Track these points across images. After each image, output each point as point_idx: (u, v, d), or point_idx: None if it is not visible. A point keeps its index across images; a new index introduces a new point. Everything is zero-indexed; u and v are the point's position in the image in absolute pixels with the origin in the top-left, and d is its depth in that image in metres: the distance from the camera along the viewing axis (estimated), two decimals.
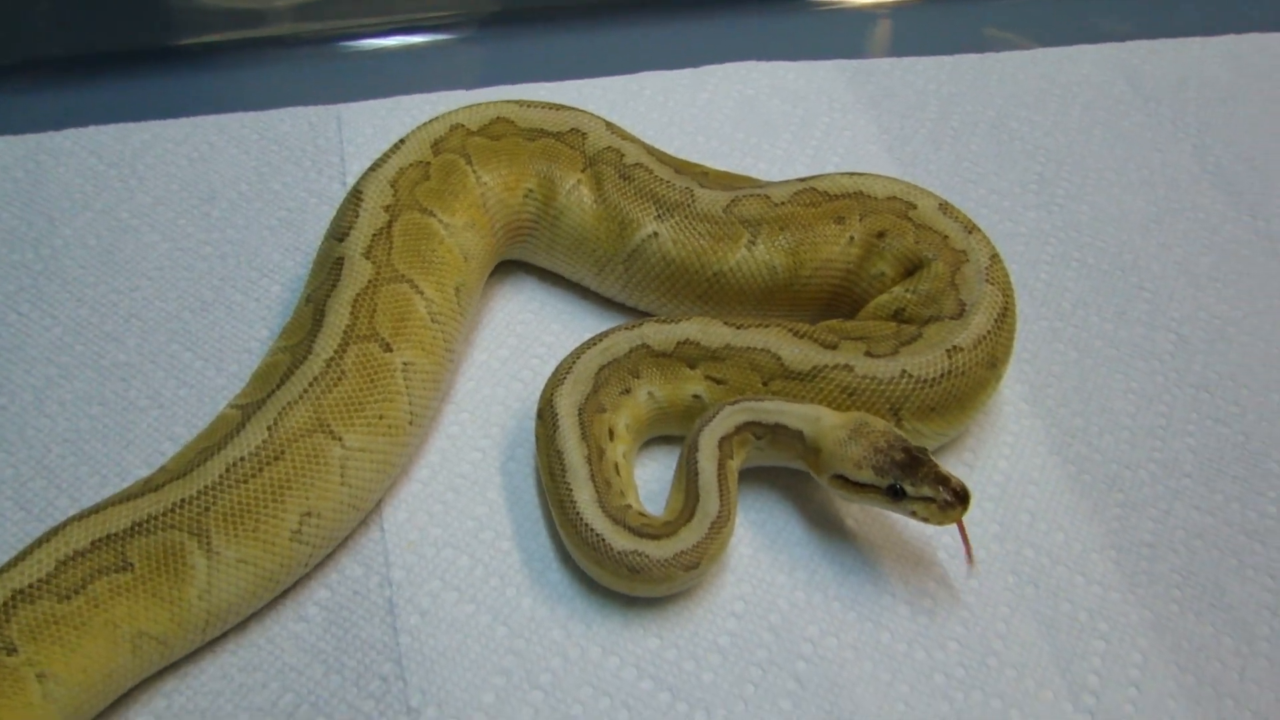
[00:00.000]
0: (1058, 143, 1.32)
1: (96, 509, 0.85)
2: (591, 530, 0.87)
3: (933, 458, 0.89)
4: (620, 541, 0.86)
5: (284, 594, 0.90)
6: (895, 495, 0.88)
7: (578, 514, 0.88)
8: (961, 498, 0.86)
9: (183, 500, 0.84)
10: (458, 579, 0.91)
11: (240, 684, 0.86)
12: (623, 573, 0.86)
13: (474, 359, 1.05)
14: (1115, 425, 1.07)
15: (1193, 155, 1.33)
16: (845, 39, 1.42)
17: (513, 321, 1.08)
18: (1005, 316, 0.98)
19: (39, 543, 0.83)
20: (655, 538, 0.87)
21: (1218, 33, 1.48)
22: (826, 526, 0.97)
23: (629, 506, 0.90)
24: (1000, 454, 1.03)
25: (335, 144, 1.20)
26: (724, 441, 0.91)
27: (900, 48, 1.42)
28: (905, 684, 0.89)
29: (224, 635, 0.88)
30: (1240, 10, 1.53)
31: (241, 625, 0.89)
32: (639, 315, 1.07)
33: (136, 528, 0.83)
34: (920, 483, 0.87)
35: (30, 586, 0.80)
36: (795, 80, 1.33)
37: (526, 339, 1.07)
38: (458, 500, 0.96)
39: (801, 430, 0.91)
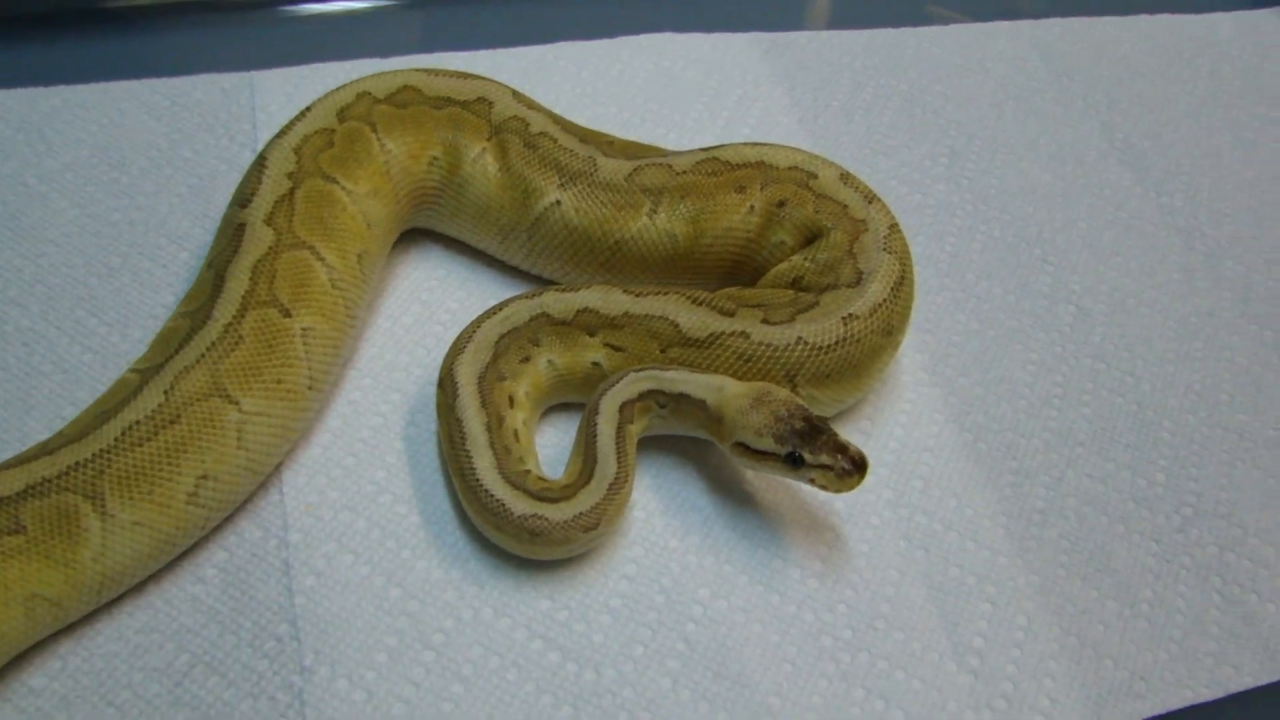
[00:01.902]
0: (969, 117, 1.34)
1: None
2: (491, 495, 0.88)
3: (832, 427, 0.91)
4: (520, 506, 0.88)
5: (181, 556, 0.91)
6: (794, 463, 0.89)
7: (477, 480, 0.89)
8: (859, 466, 0.88)
9: (77, 463, 0.84)
10: (354, 541, 0.92)
11: (136, 645, 0.87)
12: (523, 536, 0.88)
13: (377, 326, 1.06)
14: (1013, 394, 1.09)
15: (1101, 132, 1.35)
16: (763, 12, 1.43)
17: (417, 289, 1.09)
18: (902, 285, 1.00)
19: None
20: (554, 501, 0.88)
21: (1133, 13, 1.51)
22: (722, 493, 0.98)
23: (528, 472, 0.91)
24: (897, 421, 1.05)
25: (248, 111, 1.20)
26: (625, 406, 0.92)
27: (817, 22, 1.44)
28: (793, 645, 0.91)
29: (120, 598, 0.89)
30: None
31: (138, 588, 0.89)
32: (543, 283, 1.08)
33: (29, 490, 0.83)
34: (818, 451, 0.88)
35: None
36: (710, 52, 1.34)
37: (430, 306, 1.07)
38: (357, 464, 0.97)
39: (705, 399, 0.92)
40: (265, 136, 1.17)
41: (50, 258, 1.07)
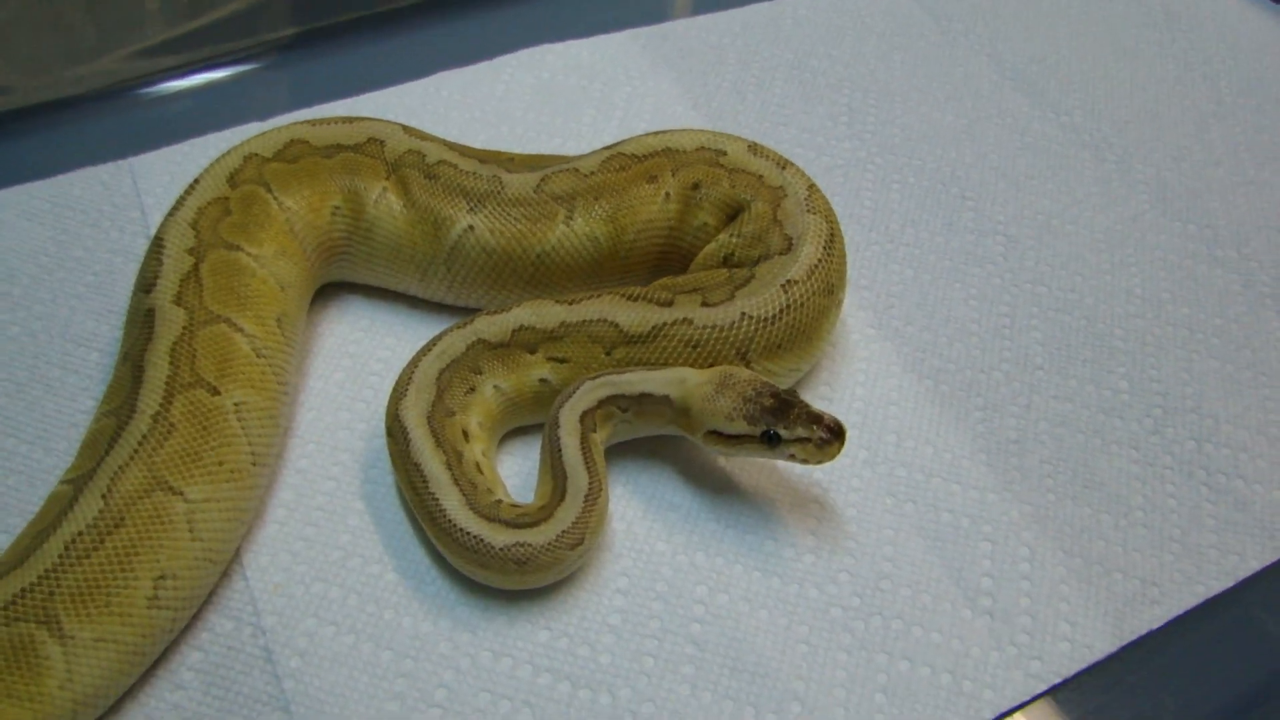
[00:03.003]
0: (859, 74, 1.33)
1: None
2: (467, 534, 0.84)
3: (802, 398, 0.88)
4: (499, 537, 0.84)
5: (154, 665, 0.85)
6: (771, 441, 0.86)
7: (449, 521, 0.85)
8: (836, 433, 0.85)
9: (23, 589, 0.79)
10: (332, 612, 0.88)
11: None
12: (509, 568, 0.84)
13: (310, 388, 1.01)
14: (963, 333, 1.08)
15: (990, 65, 1.35)
16: (633, 8, 1.41)
17: (344, 343, 1.04)
18: (833, 242, 0.98)
19: None
20: (534, 525, 0.84)
21: None
22: (698, 485, 0.96)
23: (499, 501, 0.87)
24: (856, 381, 1.03)
25: (133, 198, 1.15)
26: (586, 416, 0.89)
27: (685, 9, 1.42)
28: (804, 625, 0.88)
29: None
30: None
31: (115, 707, 0.83)
32: (470, 313, 1.04)
33: None
34: (793, 425, 0.86)
35: None
36: (590, 56, 1.32)
37: (360, 359, 1.03)
38: (318, 534, 0.92)
39: (668, 394, 0.89)
40: (155, 220, 1.12)
41: None
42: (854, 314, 1.08)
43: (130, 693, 0.84)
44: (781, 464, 0.96)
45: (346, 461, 0.96)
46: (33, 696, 0.78)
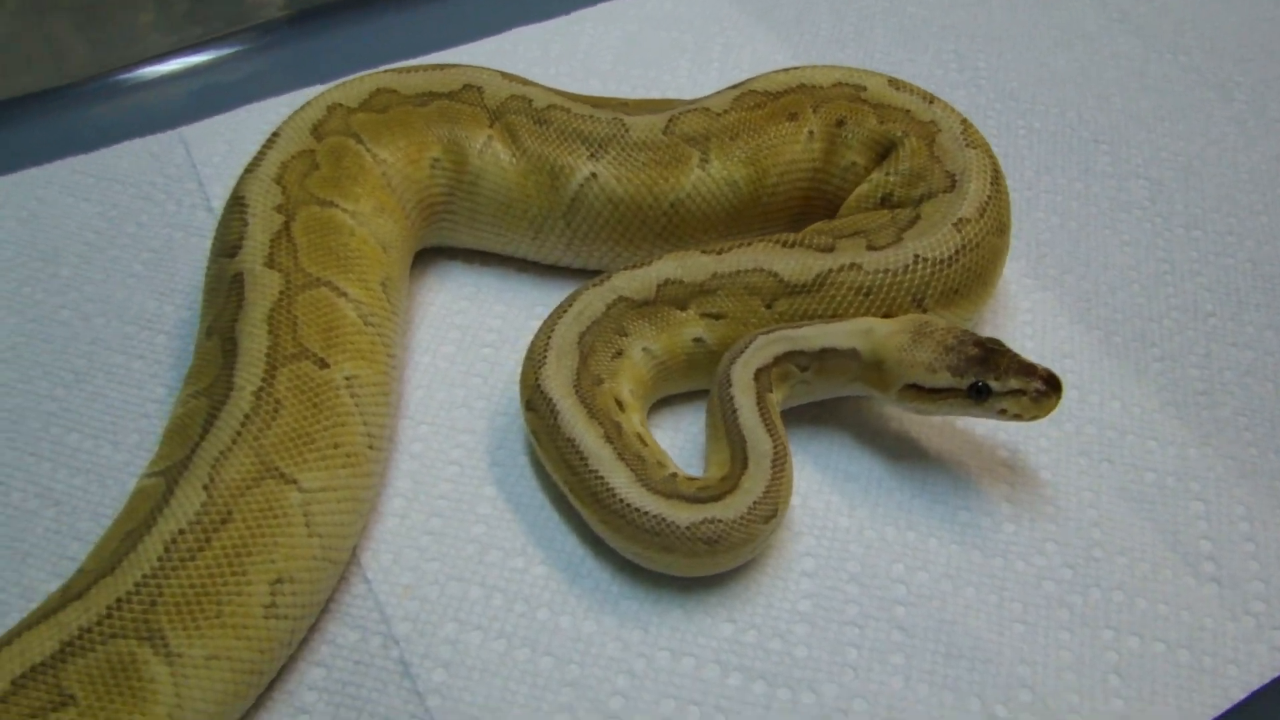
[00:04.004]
0: (961, 19, 1.23)
1: (7, 639, 0.65)
2: (645, 514, 0.72)
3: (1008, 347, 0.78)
4: (684, 515, 0.72)
5: (270, 685, 0.73)
6: (979, 395, 0.75)
7: (622, 501, 0.73)
8: (1054, 385, 0.75)
9: (118, 600, 0.66)
10: (475, 615, 0.75)
11: None
12: (698, 549, 0.72)
13: (416, 364, 0.89)
14: (1125, 281, 0.98)
15: (1095, 7, 1.26)
16: None
17: (448, 313, 0.92)
18: (998, 178, 0.88)
19: None
20: (719, 498, 0.72)
21: None
22: (873, 453, 0.84)
23: (674, 475, 0.75)
24: (1023, 334, 0.93)
25: (187, 169, 1.02)
26: (760, 374, 0.78)
27: None
28: (1016, 602, 0.77)
29: None
30: None
31: None
32: (587, 276, 0.93)
33: (68, 649, 0.65)
34: (1005, 376, 0.75)
35: None
36: (675, 7, 1.21)
37: (470, 330, 0.91)
38: (446, 526, 0.80)
39: (855, 348, 0.78)
40: (217, 191, 1.00)
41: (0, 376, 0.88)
42: (1008, 264, 0.97)
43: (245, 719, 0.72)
44: (960, 425, 0.85)
45: (469, 444, 0.84)
46: None
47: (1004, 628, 0.75)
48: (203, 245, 0.96)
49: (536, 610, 0.76)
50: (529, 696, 0.72)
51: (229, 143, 1.04)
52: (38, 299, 0.93)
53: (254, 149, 0.88)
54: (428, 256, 0.96)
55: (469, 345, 0.90)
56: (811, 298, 0.82)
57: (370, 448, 0.78)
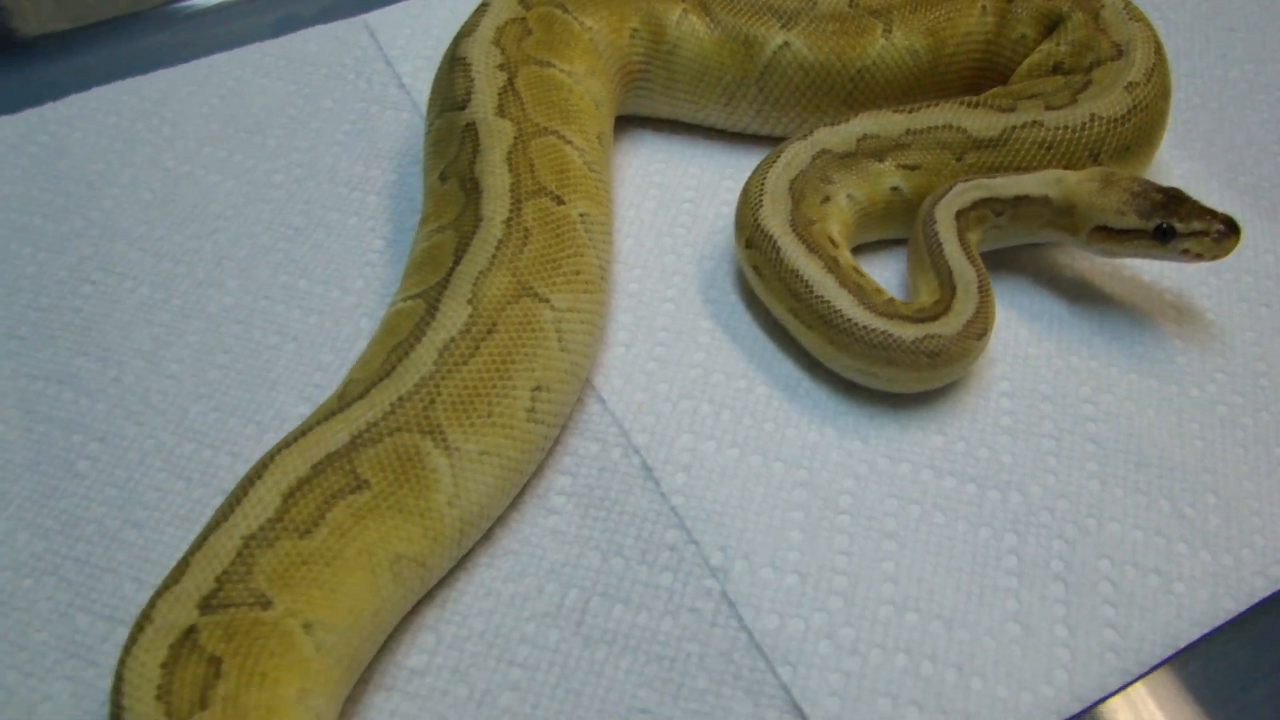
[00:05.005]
0: None
1: (300, 434, 0.71)
2: (873, 330, 0.79)
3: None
4: (908, 331, 0.78)
5: (522, 489, 0.79)
6: (1164, 236, 0.82)
7: (850, 321, 0.79)
8: (1233, 227, 0.81)
9: (400, 398, 0.72)
10: (708, 428, 0.82)
11: (511, 595, 0.75)
12: (920, 361, 0.78)
13: (622, 216, 0.95)
14: (1267, 154, 1.04)
15: None
16: None
17: (646, 174, 0.98)
18: (1160, 49, 0.94)
19: (250, 480, 0.69)
20: (935, 318, 0.79)
21: None
22: (1052, 294, 0.91)
23: (891, 300, 0.82)
24: None
25: (375, 53, 1.08)
26: (960, 215, 0.84)
27: None
28: (1194, 422, 0.84)
29: (472, 550, 0.77)
30: None
31: (488, 535, 0.77)
32: (771, 144, 0.99)
33: (358, 440, 0.70)
34: (1188, 218, 0.81)
35: (262, 529, 0.67)
36: None
37: (669, 189, 0.98)
38: (670, 354, 0.86)
39: (1047, 195, 0.85)
40: (407, 71, 1.06)
41: (226, 233, 0.94)
42: None
43: (501, 520, 0.78)
44: (1127, 272, 0.92)
45: (680, 284, 0.91)
46: (422, 512, 0.71)
47: (1185, 443, 0.82)
48: (399, 118, 1.03)
49: (763, 424, 0.82)
50: (765, 496, 0.78)
51: (411, 27, 1.10)
52: (249, 166, 0.99)
53: (438, 33, 0.94)
54: (620, 125, 1.02)
55: (669, 201, 0.97)
56: (997, 151, 0.89)
57: (601, 278, 0.84)
